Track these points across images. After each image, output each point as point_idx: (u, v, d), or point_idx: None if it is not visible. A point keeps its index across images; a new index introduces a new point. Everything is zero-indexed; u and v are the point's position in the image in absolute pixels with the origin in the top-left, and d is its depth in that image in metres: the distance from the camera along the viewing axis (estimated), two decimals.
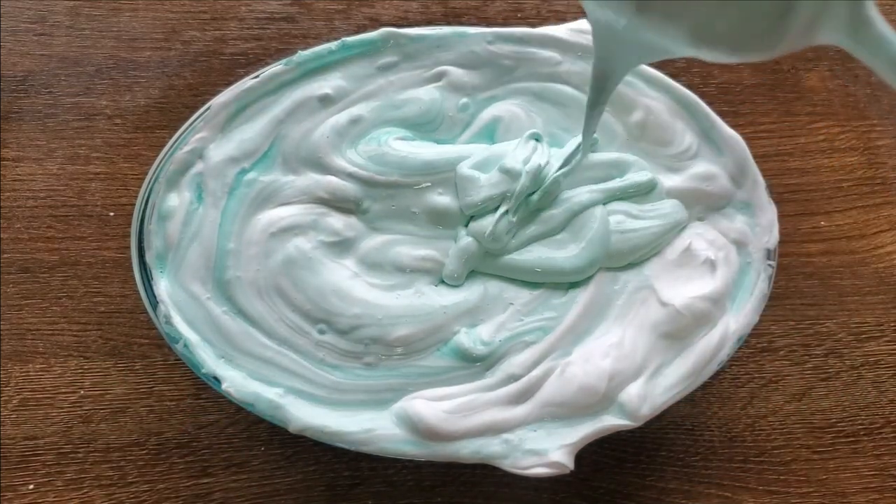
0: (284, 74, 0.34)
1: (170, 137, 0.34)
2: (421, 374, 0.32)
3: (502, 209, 0.32)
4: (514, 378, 0.32)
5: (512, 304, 0.33)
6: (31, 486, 0.36)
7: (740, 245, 0.34)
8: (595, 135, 0.35)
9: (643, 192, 0.34)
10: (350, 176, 0.33)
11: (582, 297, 0.33)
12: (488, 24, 0.40)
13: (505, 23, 0.43)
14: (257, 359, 0.32)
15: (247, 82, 0.34)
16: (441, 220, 0.33)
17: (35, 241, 0.39)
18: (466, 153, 0.33)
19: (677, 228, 0.34)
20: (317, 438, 0.31)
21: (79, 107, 0.41)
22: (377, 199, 0.33)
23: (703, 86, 0.42)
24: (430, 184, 0.33)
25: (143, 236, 0.33)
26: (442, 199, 0.33)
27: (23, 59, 0.41)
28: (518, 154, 0.33)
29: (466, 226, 0.33)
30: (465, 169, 0.33)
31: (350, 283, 0.32)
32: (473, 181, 0.33)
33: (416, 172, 0.33)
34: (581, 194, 0.34)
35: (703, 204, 0.35)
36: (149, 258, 0.33)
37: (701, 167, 0.34)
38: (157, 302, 0.33)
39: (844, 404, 0.39)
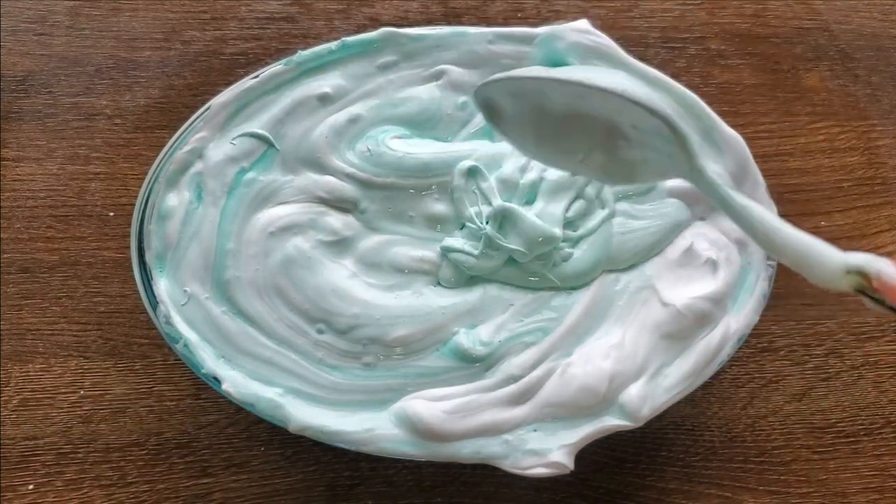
0: (284, 74, 0.34)
1: (170, 137, 0.34)
2: (420, 375, 0.32)
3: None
4: (513, 379, 0.32)
5: (512, 304, 0.33)
6: (31, 486, 0.36)
7: (742, 245, 0.34)
8: None
9: (642, 192, 0.34)
10: (348, 176, 0.33)
11: (583, 297, 0.33)
12: (488, 24, 0.40)
13: (505, 23, 0.43)
14: (256, 359, 0.32)
15: (247, 82, 0.34)
16: (438, 224, 0.33)
17: (35, 241, 0.39)
18: (464, 153, 0.33)
19: (679, 228, 0.34)
20: (317, 438, 0.31)
21: (79, 107, 0.41)
22: (374, 200, 0.33)
23: (703, 86, 0.42)
24: (426, 191, 0.33)
25: (143, 236, 0.33)
26: (438, 205, 0.33)
27: (23, 59, 0.41)
28: (516, 160, 0.33)
29: (462, 228, 0.33)
30: (462, 179, 0.33)
31: (349, 283, 0.32)
32: (470, 191, 0.33)
33: (413, 174, 0.33)
34: None
35: (704, 203, 0.34)
36: (148, 258, 0.33)
37: None
38: (157, 302, 0.33)
39: (844, 404, 0.39)
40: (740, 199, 0.23)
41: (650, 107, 0.22)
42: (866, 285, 0.21)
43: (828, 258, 0.21)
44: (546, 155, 0.26)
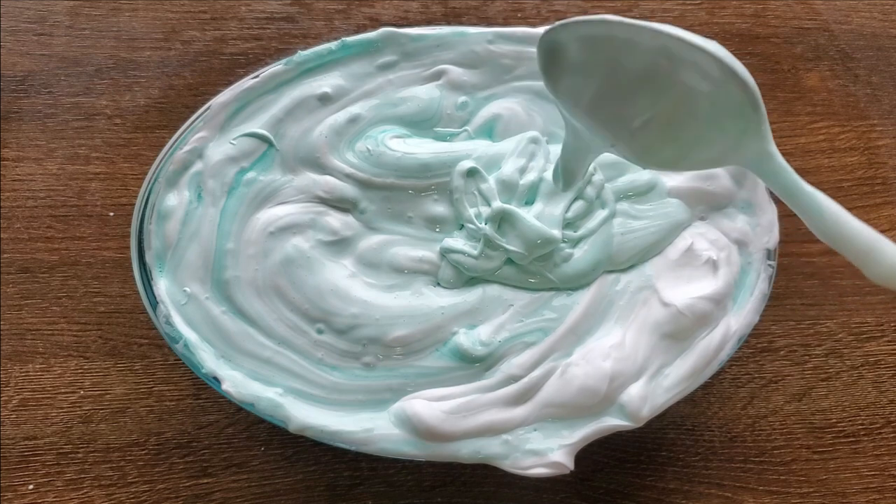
0: (284, 74, 0.34)
1: (170, 137, 0.34)
2: (420, 375, 0.32)
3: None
4: (514, 379, 0.32)
5: (512, 305, 0.33)
6: (31, 486, 0.36)
7: (742, 245, 0.34)
8: None
9: (642, 192, 0.34)
10: (347, 176, 0.33)
11: (583, 297, 0.33)
12: (488, 24, 0.40)
13: (505, 23, 0.43)
14: (256, 359, 0.32)
15: (247, 82, 0.34)
16: (437, 224, 0.33)
17: (35, 241, 0.39)
18: (464, 153, 0.33)
19: (679, 229, 0.34)
20: (317, 438, 0.31)
21: (79, 107, 0.41)
22: (374, 200, 0.33)
23: None
24: (425, 192, 0.33)
25: (143, 236, 0.33)
26: (437, 206, 0.33)
27: (23, 59, 0.41)
28: (515, 161, 0.33)
29: (461, 229, 0.33)
30: (461, 179, 0.33)
31: (348, 283, 0.32)
32: (469, 191, 0.33)
33: (412, 174, 0.33)
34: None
35: (705, 203, 0.35)
36: (148, 258, 0.33)
37: None
38: (157, 302, 0.33)
39: (844, 404, 0.39)
40: (808, 187, 0.23)
41: (744, 78, 0.21)
42: None
43: (893, 255, 0.21)
44: (599, 115, 0.24)
